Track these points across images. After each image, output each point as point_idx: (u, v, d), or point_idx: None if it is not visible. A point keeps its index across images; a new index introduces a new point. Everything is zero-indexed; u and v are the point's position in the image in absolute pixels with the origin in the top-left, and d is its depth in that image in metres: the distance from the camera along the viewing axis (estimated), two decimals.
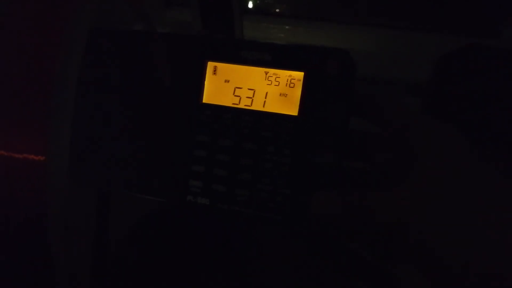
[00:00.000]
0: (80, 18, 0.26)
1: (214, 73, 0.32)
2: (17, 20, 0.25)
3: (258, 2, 0.86)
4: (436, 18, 0.79)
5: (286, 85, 0.30)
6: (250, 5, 0.87)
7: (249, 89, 0.31)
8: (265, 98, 0.31)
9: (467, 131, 0.27)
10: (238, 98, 0.31)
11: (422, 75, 0.57)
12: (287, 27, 0.80)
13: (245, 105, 0.31)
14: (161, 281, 0.47)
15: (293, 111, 0.30)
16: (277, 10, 0.86)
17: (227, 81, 0.31)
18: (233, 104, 0.31)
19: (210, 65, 0.32)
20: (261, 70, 0.31)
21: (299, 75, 0.30)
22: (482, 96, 0.52)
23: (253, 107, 0.31)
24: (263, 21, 0.81)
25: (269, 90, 0.31)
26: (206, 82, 0.32)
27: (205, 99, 0.32)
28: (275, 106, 0.31)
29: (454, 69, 0.55)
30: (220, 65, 0.32)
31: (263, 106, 0.31)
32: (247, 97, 0.31)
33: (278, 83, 0.30)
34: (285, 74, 0.30)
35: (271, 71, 0.31)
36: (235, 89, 0.31)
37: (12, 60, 0.24)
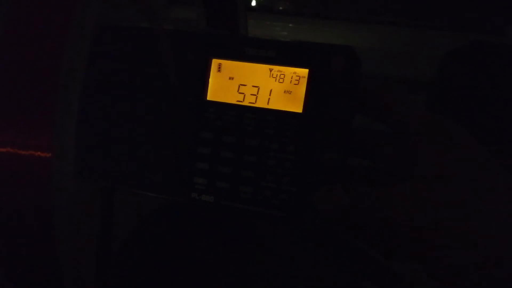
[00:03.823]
0: (85, 14, 0.26)
1: (219, 70, 0.32)
2: (21, 16, 0.25)
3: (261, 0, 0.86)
4: (441, 16, 0.79)
5: (290, 82, 0.30)
6: (254, 3, 0.87)
7: (253, 86, 0.31)
8: (270, 95, 0.31)
9: (472, 128, 0.27)
10: (243, 95, 0.31)
11: (427, 72, 0.56)
12: (290, 25, 0.80)
13: (250, 102, 0.31)
14: (166, 279, 0.47)
15: (298, 108, 0.30)
16: (281, 8, 0.86)
17: (231, 78, 0.31)
18: (237, 101, 0.31)
19: (215, 62, 0.32)
20: (265, 67, 0.31)
21: (303, 72, 0.30)
22: (487, 93, 0.52)
23: (258, 104, 0.31)
24: (266, 19, 0.81)
25: (273, 87, 0.31)
26: (210, 79, 0.32)
27: (210, 96, 0.32)
28: (279, 103, 0.30)
29: (459, 67, 0.55)
30: (224, 62, 0.32)
31: (268, 103, 0.31)
32: (252, 94, 0.31)
33: (282, 80, 0.30)
34: (289, 71, 0.30)
35: (276, 68, 0.31)
36: (239, 86, 0.31)
37: (17, 56, 0.24)
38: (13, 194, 0.22)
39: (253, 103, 0.31)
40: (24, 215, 0.23)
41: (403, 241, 0.26)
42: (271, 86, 0.31)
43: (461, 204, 0.25)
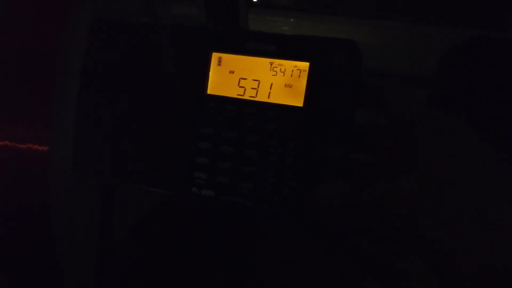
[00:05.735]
0: (84, 9, 0.25)
1: (219, 64, 0.31)
2: (20, 10, 0.25)
3: None
4: (443, 11, 0.78)
5: (291, 76, 0.30)
6: None
7: (254, 80, 0.31)
8: (270, 89, 0.30)
9: (474, 124, 0.27)
10: (243, 89, 0.31)
11: (429, 68, 0.56)
12: (292, 20, 0.79)
13: (250, 96, 0.31)
14: (166, 277, 0.47)
15: (298, 102, 0.30)
16: (282, 3, 0.85)
17: (231, 72, 0.31)
18: (237, 95, 0.31)
19: (215, 56, 0.31)
20: (266, 61, 0.31)
21: (304, 65, 0.30)
22: (489, 89, 0.52)
23: (258, 98, 0.31)
24: (268, 14, 0.81)
25: (274, 81, 0.30)
26: (210, 73, 0.32)
27: (210, 90, 0.32)
28: (280, 97, 0.30)
29: (461, 62, 0.55)
30: (224, 56, 0.31)
31: (268, 97, 0.30)
32: (252, 88, 0.31)
33: (283, 73, 0.30)
34: (290, 65, 0.30)
35: (276, 61, 0.30)
36: (239, 80, 0.31)
37: (16, 51, 0.24)
38: (12, 187, 0.22)
39: (254, 97, 0.31)
40: (23, 207, 0.23)
41: (404, 237, 0.26)
42: (271, 80, 0.30)
43: (462, 199, 0.25)
